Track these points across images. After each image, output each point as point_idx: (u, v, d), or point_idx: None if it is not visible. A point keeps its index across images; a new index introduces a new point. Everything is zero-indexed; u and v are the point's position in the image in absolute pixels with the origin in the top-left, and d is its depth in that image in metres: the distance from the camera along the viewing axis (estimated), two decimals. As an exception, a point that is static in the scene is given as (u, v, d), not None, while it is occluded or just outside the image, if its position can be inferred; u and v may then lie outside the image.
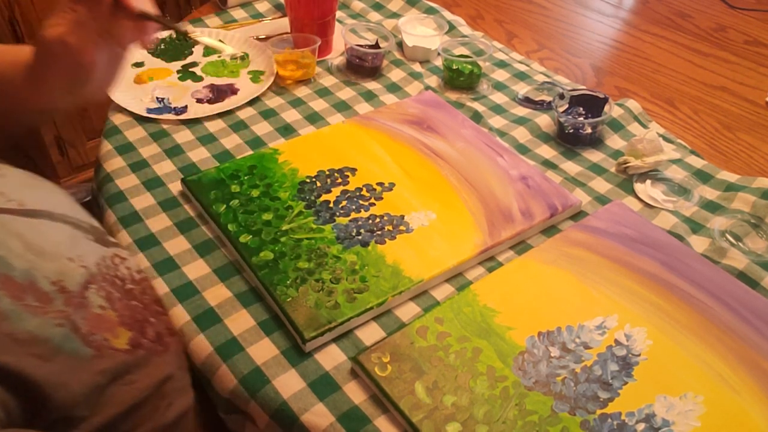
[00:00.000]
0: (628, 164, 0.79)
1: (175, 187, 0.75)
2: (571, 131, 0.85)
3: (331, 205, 0.72)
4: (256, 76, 0.94)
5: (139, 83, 0.91)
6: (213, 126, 0.85)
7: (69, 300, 0.48)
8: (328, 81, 0.95)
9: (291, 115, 0.87)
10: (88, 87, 0.59)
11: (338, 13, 1.07)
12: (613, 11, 1.20)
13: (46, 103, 0.62)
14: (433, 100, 0.89)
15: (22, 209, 0.51)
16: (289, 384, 0.56)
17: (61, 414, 0.43)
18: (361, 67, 0.95)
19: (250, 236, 0.67)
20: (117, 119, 0.85)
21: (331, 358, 0.59)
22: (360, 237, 0.68)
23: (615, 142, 0.86)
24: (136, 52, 0.96)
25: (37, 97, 0.60)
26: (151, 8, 0.58)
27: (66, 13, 0.55)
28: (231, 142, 0.82)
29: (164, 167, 0.78)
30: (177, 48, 0.98)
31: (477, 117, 0.88)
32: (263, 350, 0.59)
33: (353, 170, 0.76)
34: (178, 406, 0.53)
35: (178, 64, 0.95)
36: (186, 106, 0.87)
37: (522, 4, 1.20)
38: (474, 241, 0.68)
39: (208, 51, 0.98)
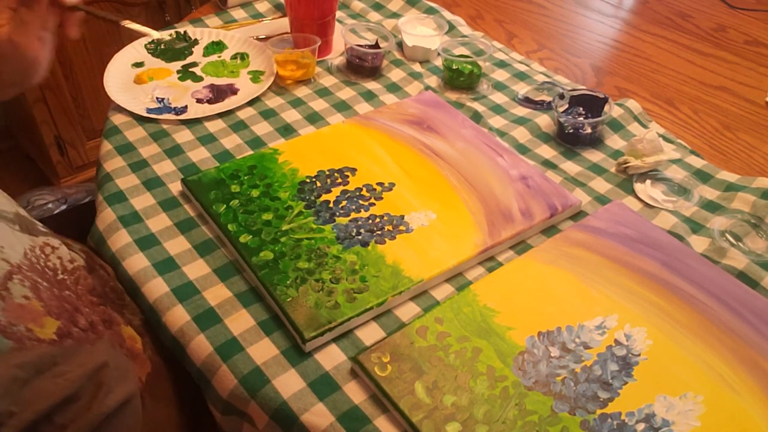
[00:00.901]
0: (628, 164, 0.79)
1: (175, 187, 0.75)
2: (571, 131, 0.85)
3: (331, 205, 0.72)
4: (256, 76, 0.94)
5: (139, 83, 0.91)
6: (213, 126, 0.85)
7: None
8: (328, 81, 0.95)
9: (291, 115, 0.87)
10: (31, 77, 0.62)
11: (338, 13, 1.07)
12: (613, 11, 1.20)
13: None
14: (433, 100, 0.89)
15: None
16: (289, 384, 0.56)
17: None
18: (361, 67, 0.95)
19: (250, 236, 0.67)
20: (117, 119, 0.85)
21: (331, 358, 0.59)
22: (360, 237, 0.68)
23: (615, 142, 0.86)
24: (138, 54, 0.97)
25: None
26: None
27: (4, 12, 0.58)
28: (231, 142, 0.82)
29: (164, 167, 0.78)
30: (177, 48, 0.98)
31: (477, 117, 0.88)
32: (263, 350, 0.59)
33: (353, 170, 0.76)
34: (119, 393, 0.51)
35: (178, 64, 0.95)
36: (186, 106, 0.87)
37: (522, 4, 1.20)
38: (474, 240, 0.69)
39: (208, 51, 0.98)
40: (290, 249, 0.66)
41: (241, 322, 0.61)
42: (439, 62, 0.99)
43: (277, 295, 0.62)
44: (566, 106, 0.87)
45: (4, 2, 0.58)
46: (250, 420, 0.57)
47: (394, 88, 0.94)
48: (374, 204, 0.72)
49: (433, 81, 0.96)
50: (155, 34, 0.78)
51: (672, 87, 0.99)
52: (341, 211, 0.71)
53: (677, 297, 0.64)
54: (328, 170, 0.76)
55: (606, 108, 0.85)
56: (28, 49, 0.59)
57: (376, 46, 0.98)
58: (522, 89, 0.95)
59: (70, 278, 0.58)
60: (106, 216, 0.71)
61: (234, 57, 0.97)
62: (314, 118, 0.87)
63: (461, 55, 0.95)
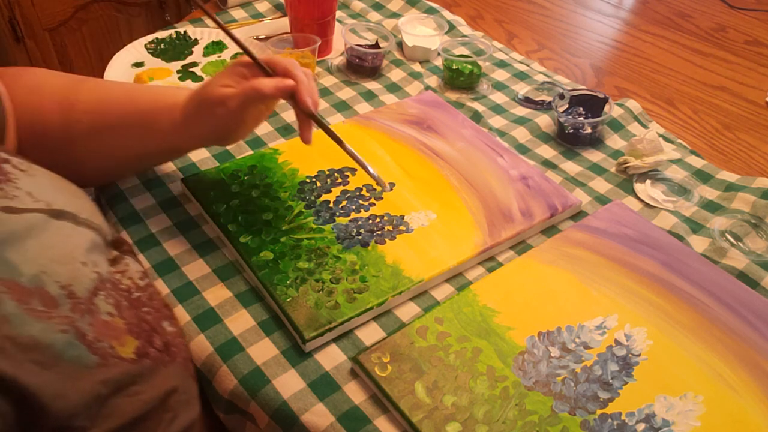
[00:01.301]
0: (628, 164, 0.79)
1: (175, 187, 0.75)
2: (571, 131, 0.85)
3: (331, 205, 0.72)
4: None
5: (139, 83, 0.91)
6: (213, 126, 0.85)
7: (76, 306, 0.47)
8: (328, 81, 0.95)
9: (291, 115, 0.87)
10: (231, 138, 0.66)
11: (338, 13, 1.07)
12: (613, 11, 1.20)
13: (186, 147, 0.69)
14: (433, 100, 0.89)
15: (49, 209, 0.51)
16: (289, 384, 0.56)
17: (59, 424, 0.42)
18: (361, 67, 0.95)
19: (250, 236, 0.67)
20: (117, 119, 0.85)
21: (331, 358, 0.59)
22: (360, 237, 0.68)
23: (615, 142, 0.86)
24: (138, 54, 0.97)
25: (181, 141, 0.65)
26: (314, 107, 0.63)
27: (237, 80, 0.60)
28: (231, 142, 0.82)
29: (164, 167, 0.78)
30: (177, 48, 0.98)
31: (477, 117, 0.88)
32: (263, 350, 0.59)
33: (353, 170, 0.76)
34: (183, 419, 0.52)
35: (178, 64, 0.95)
36: (186, 106, 0.87)
37: (522, 4, 1.20)
38: (474, 241, 0.69)
39: (208, 51, 0.98)
40: (290, 249, 0.66)
41: (241, 322, 0.61)
42: (439, 62, 0.99)
43: (277, 295, 0.62)
44: (566, 106, 0.87)
45: (240, 70, 0.61)
46: (252, 419, 0.57)
47: (394, 88, 0.94)
48: (374, 204, 0.72)
49: (433, 81, 0.96)
50: (384, 185, 0.69)
51: (672, 87, 0.99)
52: (341, 211, 0.71)
53: (677, 297, 0.64)
54: (328, 170, 0.76)
55: (606, 108, 0.85)
56: (238, 119, 0.62)
57: (376, 46, 0.98)
58: (522, 89, 0.95)
59: (144, 295, 0.58)
60: (108, 218, 0.71)
61: (234, 57, 0.97)
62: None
63: (461, 55, 0.95)
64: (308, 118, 0.64)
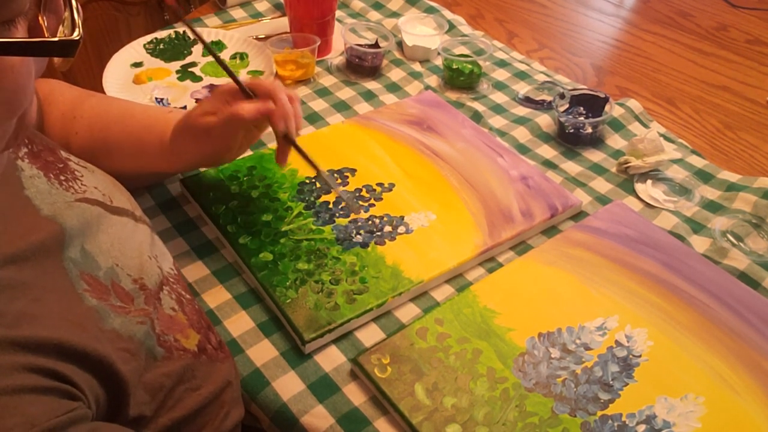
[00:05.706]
0: (628, 164, 0.79)
1: (174, 188, 0.75)
2: (572, 131, 0.84)
3: (331, 206, 0.71)
4: (255, 76, 0.93)
5: (138, 83, 0.91)
6: (212, 126, 0.85)
7: (148, 298, 0.48)
8: (327, 81, 0.95)
9: (290, 116, 0.87)
10: (221, 161, 0.68)
11: (338, 13, 1.06)
12: (614, 10, 1.19)
13: (176, 170, 0.70)
14: (433, 100, 0.89)
15: (111, 206, 0.52)
16: (288, 386, 0.56)
17: (136, 412, 0.43)
18: (361, 66, 0.95)
19: (250, 237, 0.67)
20: (116, 120, 0.85)
21: (331, 359, 0.59)
22: (360, 238, 0.68)
23: (616, 141, 0.86)
24: (137, 54, 0.96)
25: (170, 165, 0.67)
26: (293, 130, 0.62)
27: (220, 105, 0.61)
28: (230, 142, 0.82)
29: (163, 168, 0.78)
30: (176, 48, 0.98)
31: (477, 117, 0.88)
32: (263, 352, 0.59)
33: (353, 171, 0.76)
34: (234, 417, 0.53)
35: (177, 64, 0.95)
36: (185, 107, 0.87)
37: (522, 3, 1.19)
38: (474, 241, 0.68)
39: (208, 51, 0.98)
40: (290, 250, 0.66)
41: (240, 323, 0.61)
42: (439, 62, 0.99)
43: (276, 296, 0.61)
44: (567, 105, 0.87)
45: (223, 96, 0.61)
46: (254, 418, 0.57)
47: (393, 87, 0.94)
48: (374, 205, 0.72)
49: (433, 81, 0.96)
50: (357, 210, 0.71)
51: (673, 86, 0.99)
52: (341, 212, 0.71)
53: (678, 298, 0.63)
54: (328, 171, 0.76)
55: (607, 107, 0.85)
56: (223, 144, 0.63)
57: (376, 45, 0.97)
58: (522, 89, 0.95)
59: (190, 295, 0.58)
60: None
61: (233, 57, 0.97)
62: (314, 119, 0.87)
63: (461, 55, 0.95)
64: (285, 141, 0.63)
